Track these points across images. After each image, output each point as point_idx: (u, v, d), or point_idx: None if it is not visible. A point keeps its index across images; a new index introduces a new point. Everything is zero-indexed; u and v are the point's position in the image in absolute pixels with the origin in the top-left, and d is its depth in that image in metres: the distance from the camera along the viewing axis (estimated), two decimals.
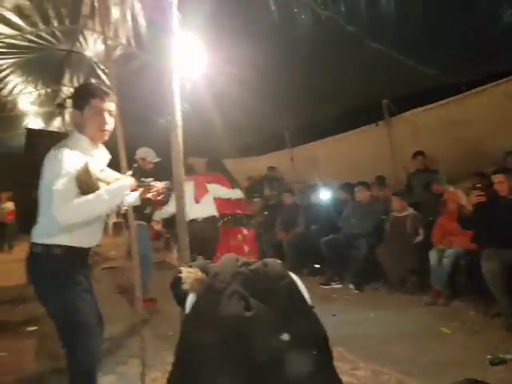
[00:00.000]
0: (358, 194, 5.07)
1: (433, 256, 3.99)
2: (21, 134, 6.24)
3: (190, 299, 1.55)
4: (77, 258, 1.92)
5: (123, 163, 3.24)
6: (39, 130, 6.08)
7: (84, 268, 1.98)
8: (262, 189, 8.05)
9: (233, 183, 4.93)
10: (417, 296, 4.15)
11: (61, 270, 1.83)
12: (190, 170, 4.47)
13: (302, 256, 5.48)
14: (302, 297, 1.66)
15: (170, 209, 3.99)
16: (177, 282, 1.60)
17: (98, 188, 1.78)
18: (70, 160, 1.77)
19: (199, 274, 1.58)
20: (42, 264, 1.85)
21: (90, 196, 1.74)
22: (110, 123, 1.96)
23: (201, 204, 4.39)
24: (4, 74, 4.66)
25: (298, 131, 7.32)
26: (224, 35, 3.56)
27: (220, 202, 4.58)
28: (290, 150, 7.63)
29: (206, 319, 1.46)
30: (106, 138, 1.99)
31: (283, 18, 3.33)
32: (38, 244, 1.84)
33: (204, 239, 4.08)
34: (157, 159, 4.48)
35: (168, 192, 2.14)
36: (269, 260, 1.71)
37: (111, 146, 2.12)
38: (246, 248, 4.79)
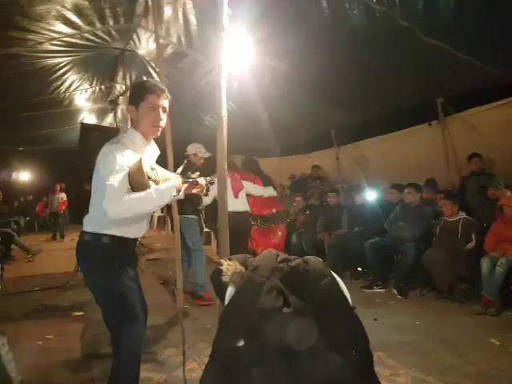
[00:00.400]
0: (408, 196, 4.89)
1: (485, 264, 3.80)
2: (76, 129, 6.57)
3: (229, 291, 1.58)
4: (124, 247, 2.00)
5: (170, 159, 3.35)
6: (93, 125, 6.39)
7: (131, 258, 2.08)
8: (304, 187, 8.00)
9: (265, 182, 5.08)
10: (465, 305, 3.98)
11: (108, 258, 1.92)
12: (231, 167, 4.51)
13: (344, 258, 5.38)
14: (344, 297, 1.64)
15: (207, 200, 4.26)
16: (217, 275, 1.63)
17: (148, 186, 1.85)
18: (124, 156, 1.85)
19: (239, 267, 1.60)
20: (91, 252, 1.94)
21: (141, 194, 1.81)
22: (164, 120, 2.02)
23: (237, 199, 4.58)
24: (62, 71, 4.91)
25: (345, 130, 7.19)
26: (273, 31, 3.56)
27: (253, 201, 4.81)
28: (336, 148, 7.52)
29: (245, 311, 1.48)
30: (159, 134, 2.05)
31: (334, 14, 3.28)
32: (87, 232, 1.94)
33: (236, 232, 4.16)
34: (208, 154, 4.58)
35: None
36: (310, 258, 1.70)
37: (159, 142, 2.20)
38: (283, 245, 5.13)
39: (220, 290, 1.65)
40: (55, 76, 4.98)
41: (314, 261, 1.67)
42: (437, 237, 4.44)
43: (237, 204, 4.54)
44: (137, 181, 1.82)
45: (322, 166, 8.04)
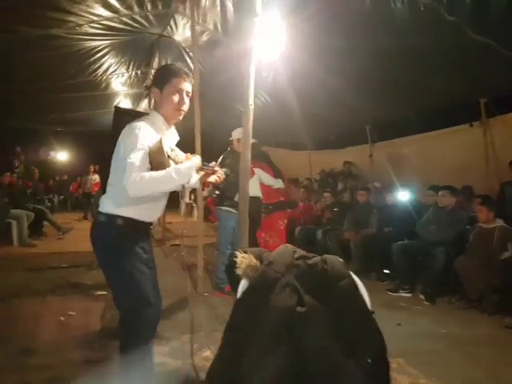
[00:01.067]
0: (442, 199, 4.69)
1: None
2: (110, 113, 6.69)
3: (242, 285, 1.54)
4: (138, 230, 1.99)
5: (198, 145, 3.35)
6: (126, 109, 6.48)
7: (145, 241, 2.06)
8: (334, 183, 7.86)
9: (276, 173, 5.27)
10: (496, 316, 3.78)
11: (121, 239, 1.92)
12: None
13: (371, 259, 5.25)
14: (362, 300, 1.57)
15: None
16: (231, 266, 1.60)
17: (168, 165, 1.84)
18: (145, 135, 1.84)
19: (253, 260, 1.56)
20: (104, 232, 1.94)
21: (161, 172, 1.80)
22: (187, 104, 2.01)
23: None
24: (100, 54, 4.98)
25: (381, 126, 6.99)
26: (310, 20, 3.46)
27: (263, 189, 4.97)
28: (370, 145, 7.32)
29: (256, 307, 1.44)
30: (181, 118, 2.04)
31: (376, 5, 3.15)
32: (102, 213, 1.94)
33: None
34: (253, 140, 4.51)
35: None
36: (329, 257, 1.64)
37: (188, 129, 2.20)
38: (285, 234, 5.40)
39: (234, 282, 1.62)
40: (93, 59, 5.06)
41: (334, 260, 1.61)
42: (470, 243, 4.24)
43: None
44: (157, 160, 1.82)
45: (354, 162, 7.87)
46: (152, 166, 1.82)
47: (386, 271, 5.12)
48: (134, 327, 1.96)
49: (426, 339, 3.27)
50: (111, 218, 1.92)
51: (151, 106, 2.07)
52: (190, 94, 2.02)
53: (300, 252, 1.64)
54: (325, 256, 1.63)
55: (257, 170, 4.87)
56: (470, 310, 3.98)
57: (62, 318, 3.40)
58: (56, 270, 4.79)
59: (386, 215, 5.49)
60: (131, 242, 1.96)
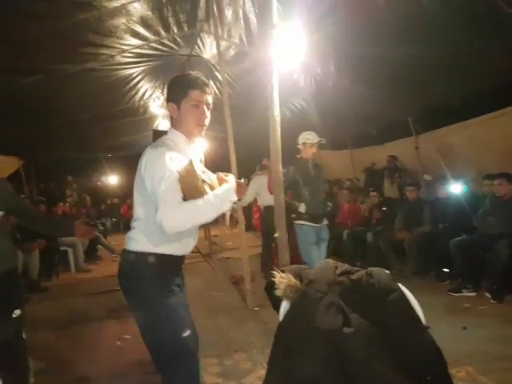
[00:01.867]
0: (500, 188, 4.35)
1: None
2: (150, 135, 6.90)
3: (284, 306, 1.48)
4: (173, 267, 1.79)
5: (233, 160, 3.34)
6: (162, 131, 6.66)
7: (179, 276, 1.84)
8: (380, 181, 7.59)
9: None
10: None
11: (156, 280, 1.70)
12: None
13: (427, 258, 4.95)
14: (415, 315, 1.46)
15: (248, 198, 5.01)
16: (270, 287, 1.54)
17: (203, 190, 1.66)
18: (171, 160, 1.63)
19: (292, 280, 1.50)
20: (136, 273, 1.71)
21: (198, 202, 1.61)
22: (208, 117, 1.80)
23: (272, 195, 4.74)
24: (135, 81, 5.19)
25: (425, 116, 6.65)
26: (339, 16, 3.35)
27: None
28: (415, 137, 6.99)
29: (300, 331, 1.38)
30: (203, 133, 1.84)
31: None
32: (131, 252, 1.72)
33: (271, 223, 4.61)
34: (318, 139, 4.22)
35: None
36: (374, 269, 1.54)
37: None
38: None
39: (275, 303, 1.56)
40: (128, 87, 5.29)
41: (380, 273, 1.51)
42: None
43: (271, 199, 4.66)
44: (190, 186, 1.63)
45: (398, 156, 7.55)
46: (185, 194, 1.62)
47: (445, 270, 4.82)
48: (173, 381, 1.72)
49: (496, 343, 3.01)
50: (142, 256, 1.69)
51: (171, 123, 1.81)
52: (210, 107, 1.80)
53: (342, 267, 1.55)
54: (370, 269, 1.54)
55: None
56: None
57: (118, 343, 3.48)
58: (111, 294, 4.92)
59: (440, 210, 5.18)
60: (167, 281, 1.73)
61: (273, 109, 2.18)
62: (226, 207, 1.69)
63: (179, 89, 1.75)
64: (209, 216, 1.65)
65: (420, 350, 1.37)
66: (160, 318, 1.67)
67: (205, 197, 1.64)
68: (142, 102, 6.05)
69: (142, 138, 7.82)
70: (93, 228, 8.32)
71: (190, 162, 1.67)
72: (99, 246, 8.14)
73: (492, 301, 3.95)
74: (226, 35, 4.04)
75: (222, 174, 1.84)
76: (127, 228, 1.86)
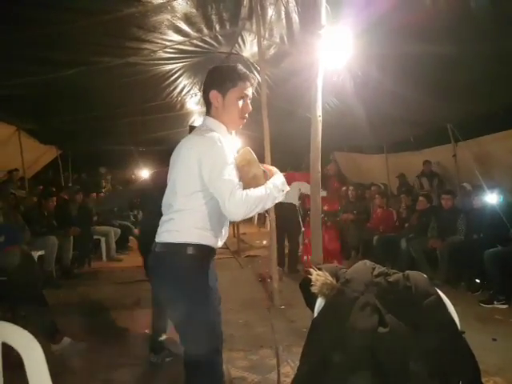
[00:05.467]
0: None
1: None
2: (186, 131, 7.02)
3: (319, 303, 1.51)
4: (210, 259, 1.78)
5: (268, 157, 3.38)
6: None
7: (213, 271, 1.84)
8: (417, 187, 7.45)
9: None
10: None
11: (197, 273, 1.70)
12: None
13: (460, 268, 4.85)
14: (451, 319, 1.46)
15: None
16: (305, 284, 1.57)
17: (262, 179, 1.67)
18: (228, 148, 1.64)
19: (329, 278, 1.51)
20: (179, 264, 1.68)
21: (262, 190, 1.61)
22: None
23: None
24: (175, 77, 5.30)
25: (465, 124, 6.47)
26: (379, 20, 3.33)
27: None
28: (453, 144, 6.81)
29: (334, 328, 1.40)
30: (241, 126, 1.84)
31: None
32: (172, 243, 1.68)
33: (286, 220, 4.87)
34: None
35: None
36: (412, 273, 1.54)
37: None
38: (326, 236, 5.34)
39: (309, 300, 1.59)
40: (168, 82, 5.41)
41: (417, 276, 1.51)
42: None
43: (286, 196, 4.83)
44: (250, 175, 1.62)
45: (436, 163, 7.37)
46: (244, 182, 1.61)
47: (477, 281, 4.71)
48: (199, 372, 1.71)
49: None
50: (183, 247, 1.66)
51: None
52: (250, 99, 1.80)
53: (379, 268, 1.56)
54: (407, 272, 1.54)
55: (301, 184, 5.33)
56: None
57: (147, 331, 3.58)
58: (141, 283, 5.05)
59: (475, 220, 5.05)
60: (206, 273, 1.73)
61: (316, 109, 2.21)
62: (280, 198, 1.70)
63: (228, 78, 1.72)
64: (268, 205, 1.67)
65: (454, 354, 1.37)
66: (197, 311, 1.66)
67: (266, 186, 1.64)
68: (179, 98, 6.17)
69: (176, 134, 7.94)
70: (125, 220, 8.62)
71: (249, 151, 1.68)
72: (131, 238, 8.30)
73: None
74: (267, 34, 4.07)
75: (268, 166, 1.85)
76: None
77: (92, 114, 6.22)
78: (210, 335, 1.69)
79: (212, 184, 1.58)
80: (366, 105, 5.27)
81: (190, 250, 1.66)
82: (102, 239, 7.18)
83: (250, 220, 8.52)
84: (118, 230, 7.57)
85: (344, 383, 1.32)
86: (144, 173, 14.25)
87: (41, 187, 8.15)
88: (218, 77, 1.76)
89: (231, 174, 1.57)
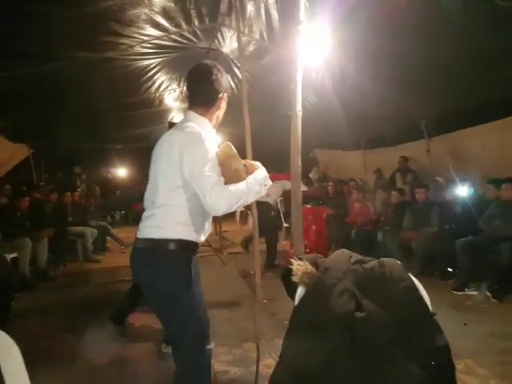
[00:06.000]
0: (506, 193, 4.46)
1: None
2: (165, 128, 6.97)
3: (300, 292, 1.57)
4: (195, 254, 1.82)
5: (249, 154, 3.42)
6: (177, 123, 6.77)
7: (196, 267, 1.86)
8: (392, 182, 7.63)
9: None
10: None
11: (181, 267, 1.71)
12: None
13: (434, 258, 5.06)
14: (423, 302, 1.55)
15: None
16: (287, 274, 1.63)
17: (243, 173, 1.71)
18: (210, 143, 1.67)
19: (309, 267, 1.58)
20: (161, 261, 1.70)
21: (243, 184, 1.66)
22: None
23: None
24: (152, 72, 5.23)
25: (437, 120, 6.68)
26: (355, 21, 3.42)
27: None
28: (427, 140, 7.03)
29: (315, 314, 1.46)
30: None
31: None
32: (156, 239, 1.70)
33: (263, 216, 4.81)
34: None
35: None
36: (386, 260, 1.63)
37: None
38: (314, 226, 5.84)
39: (290, 289, 1.65)
40: (146, 77, 5.33)
41: (392, 263, 1.60)
42: None
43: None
44: (232, 169, 1.65)
45: (410, 158, 7.58)
46: (225, 176, 1.66)
47: (449, 269, 4.92)
48: (198, 372, 1.76)
49: (495, 338, 3.13)
50: (167, 242, 1.69)
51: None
52: None
53: (356, 256, 1.64)
54: (382, 259, 1.62)
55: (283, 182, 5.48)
56: None
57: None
58: (120, 284, 4.96)
59: (447, 212, 5.27)
60: (190, 268, 1.74)
61: (295, 104, 2.27)
62: (262, 192, 1.75)
63: (226, 81, 1.87)
64: (250, 199, 1.72)
65: (426, 335, 1.45)
66: (184, 304, 1.70)
67: (247, 180, 1.69)
68: (157, 94, 6.10)
69: (155, 131, 7.86)
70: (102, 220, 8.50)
71: (229, 145, 1.72)
72: (108, 238, 8.20)
73: (492, 300, 4.08)
74: (246, 30, 4.09)
75: (250, 161, 1.90)
76: (136, 220, 1.89)
77: (66, 111, 6.09)
78: (198, 322, 1.74)
79: (193, 180, 1.61)
80: (343, 102, 5.37)
81: (172, 246, 1.68)
82: (78, 240, 7.02)
83: (232, 217, 8.54)
84: (95, 231, 7.43)
85: (324, 368, 1.38)
86: (121, 171, 14.17)
87: (8, 186, 7.83)
88: (226, 81, 1.89)
89: (212, 170, 1.61)
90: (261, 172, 1.78)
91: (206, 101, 1.82)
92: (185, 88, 5.77)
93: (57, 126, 6.98)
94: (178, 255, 1.70)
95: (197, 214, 1.72)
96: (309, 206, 6.14)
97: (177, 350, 1.77)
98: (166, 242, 1.68)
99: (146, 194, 1.80)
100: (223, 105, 1.88)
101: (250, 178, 1.70)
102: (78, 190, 9.30)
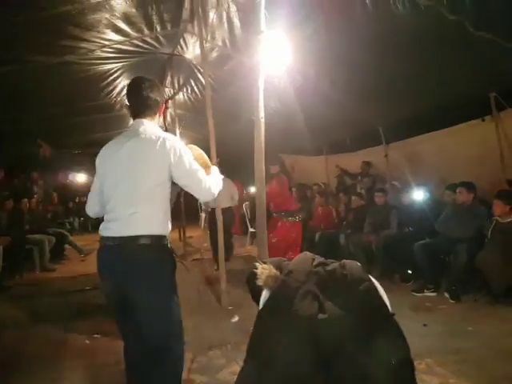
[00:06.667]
0: (460, 196, 4.66)
1: None
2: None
3: (264, 295, 1.60)
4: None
5: (213, 154, 3.44)
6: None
7: None
8: (353, 187, 7.85)
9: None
10: None
11: (169, 262, 1.91)
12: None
13: (393, 260, 5.21)
14: (383, 303, 1.61)
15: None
16: (251, 278, 1.66)
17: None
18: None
19: (273, 270, 1.62)
20: (150, 255, 1.83)
21: (215, 176, 2.05)
22: None
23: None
24: (113, 77, 5.15)
25: (394, 126, 6.95)
26: (314, 29, 3.53)
27: (276, 198, 5.76)
28: (385, 146, 7.31)
29: (279, 317, 1.49)
30: None
31: (378, 9, 3.20)
32: (141, 236, 1.81)
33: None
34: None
35: None
36: (347, 262, 1.69)
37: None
38: (293, 234, 5.95)
39: (255, 293, 1.68)
40: (106, 82, 5.25)
41: (352, 265, 1.66)
42: (489, 239, 4.21)
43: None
44: (204, 165, 2.00)
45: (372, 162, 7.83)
46: None
47: (409, 272, 5.09)
48: (175, 370, 1.90)
49: (453, 338, 3.25)
50: (155, 239, 1.85)
51: (166, 124, 2.16)
52: None
53: (319, 259, 1.69)
54: (343, 261, 1.68)
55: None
56: (497, 306, 3.92)
57: (87, 342, 3.46)
58: (80, 293, 4.85)
59: (405, 215, 5.47)
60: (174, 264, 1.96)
61: (258, 110, 2.31)
62: (220, 183, 2.10)
63: (163, 97, 2.19)
64: (220, 186, 2.07)
65: (386, 334, 1.51)
66: (172, 300, 1.89)
67: (212, 171, 2.08)
68: (118, 98, 5.99)
69: (116, 135, 7.70)
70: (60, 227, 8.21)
71: (194, 146, 2.09)
72: (66, 246, 7.92)
73: (450, 301, 4.22)
74: (209, 37, 4.12)
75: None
76: (95, 227, 1.94)
77: (24, 115, 5.87)
78: (177, 322, 1.91)
79: (190, 176, 1.89)
80: (305, 108, 5.48)
81: (164, 241, 1.89)
82: (35, 248, 6.70)
83: (196, 223, 8.49)
84: (53, 238, 7.13)
85: (288, 370, 1.42)
86: (80, 177, 13.73)
87: None
88: (161, 90, 2.15)
89: (198, 166, 1.92)
90: (214, 167, 2.16)
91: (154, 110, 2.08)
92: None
93: (14, 130, 6.70)
94: (169, 250, 1.92)
95: (169, 209, 1.96)
96: (288, 220, 6.06)
97: (151, 347, 1.83)
98: (156, 238, 1.84)
99: (121, 193, 1.87)
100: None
101: (213, 172, 2.08)
102: (35, 196, 8.92)
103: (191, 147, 2.04)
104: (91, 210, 2.07)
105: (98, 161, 2.03)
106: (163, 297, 1.86)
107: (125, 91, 5.69)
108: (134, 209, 1.83)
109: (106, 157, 1.99)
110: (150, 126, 1.99)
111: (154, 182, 1.85)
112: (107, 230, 1.88)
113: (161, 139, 1.88)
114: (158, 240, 1.85)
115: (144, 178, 1.86)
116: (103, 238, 1.89)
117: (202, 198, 1.98)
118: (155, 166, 1.86)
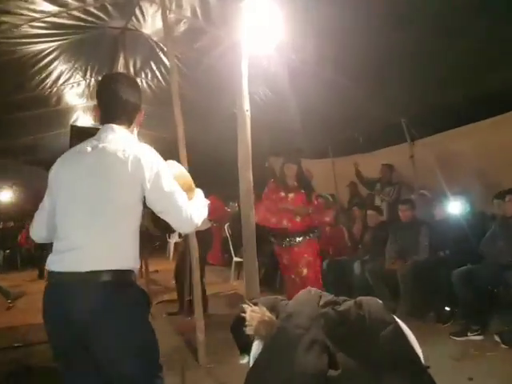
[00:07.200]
0: (510, 207, 4.68)
1: None
2: (66, 133, 6.81)
3: (255, 348, 1.58)
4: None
5: (183, 156, 3.44)
6: (86, 128, 6.64)
7: None
8: (369, 198, 7.88)
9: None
10: None
11: (141, 299, 1.99)
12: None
13: (425, 294, 5.21)
14: (413, 352, 1.60)
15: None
16: (238, 325, 1.63)
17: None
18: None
19: (267, 314, 1.60)
20: (125, 294, 1.90)
21: (196, 200, 2.10)
22: None
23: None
24: (47, 60, 5.14)
25: (422, 118, 7.02)
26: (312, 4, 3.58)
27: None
28: (410, 144, 7.36)
29: (275, 376, 1.47)
30: None
31: None
32: (109, 271, 1.84)
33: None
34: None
35: None
36: (364, 299, 1.68)
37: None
38: (305, 270, 4.95)
39: (243, 344, 1.66)
40: (38, 67, 5.23)
41: (371, 303, 1.65)
42: None
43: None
44: (187, 186, 2.05)
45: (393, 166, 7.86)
46: None
47: (447, 309, 5.09)
48: None
49: None
50: (127, 274, 1.93)
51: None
52: None
53: (327, 296, 1.68)
54: (359, 298, 1.67)
55: None
56: None
57: None
58: (6, 352, 4.73)
59: (439, 234, 5.48)
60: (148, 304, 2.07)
61: (242, 101, 2.31)
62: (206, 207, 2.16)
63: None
64: (204, 213, 2.12)
65: None
66: (151, 343, 1.97)
67: (197, 196, 2.13)
68: (55, 89, 6.00)
69: (53, 137, 7.65)
70: None
71: (177, 164, 2.15)
72: None
73: (502, 346, 4.19)
74: (174, 6, 4.13)
75: None
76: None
77: None
78: (157, 355, 2.00)
79: (168, 200, 1.92)
80: (303, 97, 5.52)
81: (133, 277, 1.95)
82: None
83: (163, 253, 8.44)
84: None
85: None
86: (3, 195, 13.55)
87: None
88: (140, 97, 2.19)
89: (178, 187, 1.96)
90: (198, 190, 2.20)
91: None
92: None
93: None
94: (138, 288, 1.99)
95: (138, 238, 2.01)
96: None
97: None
98: (126, 273, 1.91)
99: (69, 217, 1.92)
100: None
101: (198, 196, 2.13)
102: None
103: (170, 163, 2.07)
104: (37, 233, 2.13)
105: (51, 174, 2.06)
106: (140, 350, 1.91)
107: (63, 79, 5.79)
108: (94, 237, 1.86)
109: (62, 169, 2.02)
110: (122, 134, 2.05)
111: (121, 205, 1.90)
112: (58, 262, 1.87)
113: (133, 151, 1.92)
114: (125, 276, 1.89)
115: (109, 198, 1.89)
116: (52, 274, 1.89)
117: (180, 228, 2.04)
118: (124, 185, 1.90)
